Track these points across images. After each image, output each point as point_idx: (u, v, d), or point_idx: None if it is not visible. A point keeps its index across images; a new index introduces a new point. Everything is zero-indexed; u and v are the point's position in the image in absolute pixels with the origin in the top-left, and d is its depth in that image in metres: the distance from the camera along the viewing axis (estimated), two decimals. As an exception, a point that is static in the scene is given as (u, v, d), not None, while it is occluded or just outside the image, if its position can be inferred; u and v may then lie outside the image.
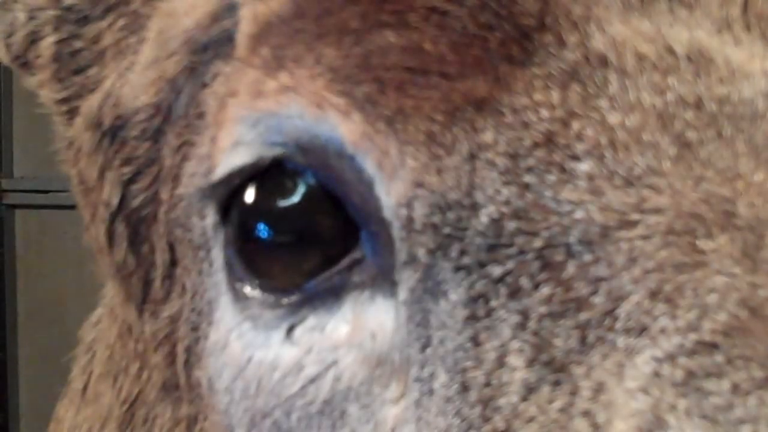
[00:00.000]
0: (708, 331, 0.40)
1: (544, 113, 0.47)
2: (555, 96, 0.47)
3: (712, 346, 0.40)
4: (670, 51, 0.47)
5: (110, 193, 0.65)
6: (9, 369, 3.25)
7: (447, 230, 0.47)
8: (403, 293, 0.49)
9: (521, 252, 0.45)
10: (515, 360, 0.44)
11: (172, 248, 0.61)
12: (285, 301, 0.52)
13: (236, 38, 0.57)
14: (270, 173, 0.52)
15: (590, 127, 0.46)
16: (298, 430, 0.51)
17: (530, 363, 0.44)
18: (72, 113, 0.70)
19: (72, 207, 0.73)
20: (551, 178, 0.46)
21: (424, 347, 0.48)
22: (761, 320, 0.40)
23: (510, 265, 0.46)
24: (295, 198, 0.52)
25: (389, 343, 0.49)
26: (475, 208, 0.47)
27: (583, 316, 0.43)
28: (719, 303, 0.41)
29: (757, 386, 0.39)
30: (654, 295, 0.42)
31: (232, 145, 0.54)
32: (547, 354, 0.44)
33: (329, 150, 0.50)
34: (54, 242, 3.13)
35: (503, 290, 0.46)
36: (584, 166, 0.45)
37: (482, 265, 0.46)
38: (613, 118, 0.46)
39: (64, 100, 0.70)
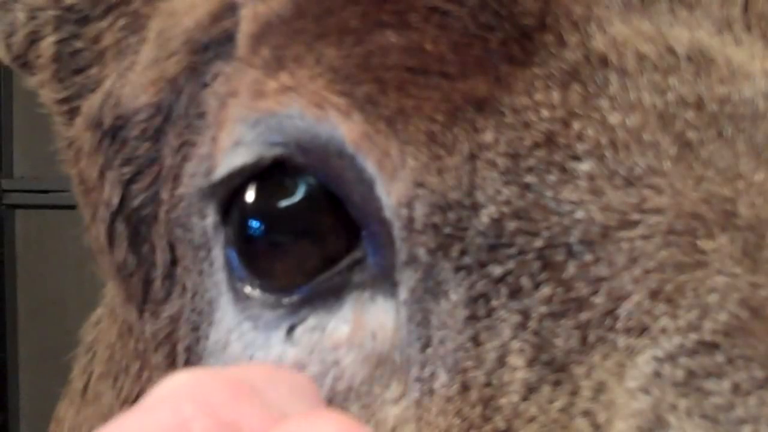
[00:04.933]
0: (709, 331, 0.40)
1: (545, 113, 0.47)
2: (555, 96, 0.47)
3: (713, 346, 0.40)
4: (671, 51, 0.47)
5: (110, 193, 0.65)
6: (9, 369, 3.24)
7: (447, 230, 0.47)
8: (403, 293, 0.49)
9: (522, 252, 0.45)
10: (516, 360, 0.44)
11: (172, 248, 0.61)
12: (285, 301, 0.52)
13: (237, 38, 0.57)
14: (270, 173, 0.52)
15: (591, 127, 0.46)
16: None
17: (531, 363, 0.44)
18: (72, 113, 0.70)
19: (72, 207, 0.73)
20: (552, 178, 0.46)
21: (424, 347, 0.48)
22: (762, 320, 0.40)
23: (510, 264, 0.46)
24: (296, 198, 0.52)
25: (390, 343, 0.49)
26: (475, 208, 0.47)
27: (584, 316, 0.43)
28: (720, 303, 0.41)
29: (757, 386, 0.39)
30: (655, 295, 0.42)
31: (233, 145, 0.54)
32: (547, 354, 0.44)
33: (330, 150, 0.50)
34: (54, 242, 3.13)
35: (504, 290, 0.46)
36: (585, 166, 0.45)
37: (483, 265, 0.46)
38: (614, 118, 0.46)
39: (64, 100, 0.70)
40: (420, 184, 0.48)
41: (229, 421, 0.27)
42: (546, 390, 0.43)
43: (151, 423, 0.27)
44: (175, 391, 0.28)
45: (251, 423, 0.27)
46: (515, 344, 0.45)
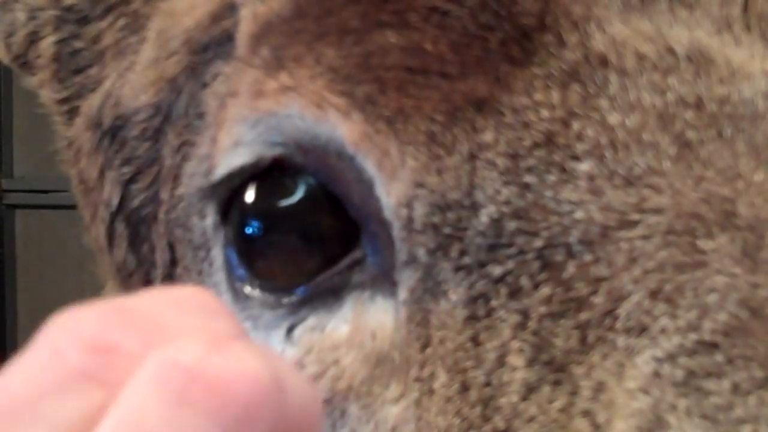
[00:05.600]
0: (708, 331, 0.40)
1: (545, 113, 0.47)
2: (555, 96, 0.47)
3: (713, 346, 0.40)
4: (671, 51, 0.47)
5: (110, 193, 0.65)
6: (9, 369, 3.24)
7: (447, 230, 0.47)
8: (403, 293, 0.49)
9: (521, 252, 0.45)
10: (515, 360, 0.44)
11: (172, 248, 0.61)
12: (285, 301, 0.52)
13: (236, 38, 0.57)
14: (270, 173, 0.52)
15: (590, 127, 0.46)
16: None
17: (530, 363, 0.44)
18: (72, 113, 0.70)
19: (72, 207, 0.73)
20: (551, 178, 0.46)
21: (424, 347, 0.48)
22: (761, 320, 0.40)
23: (510, 265, 0.46)
24: (296, 198, 0.52)
25: (389, 343, 0.49)
26: (475, 208, 0.47)
27: (584, 315, 0.43)
28: (719, 303, 0.41)
29: (757, 386, 0.39)
30: (654, 294, 0.42)
31: (232, 145, 0.54)
32: (547, 354, 0.44)
33: (329, 150, 0.50)
34: (54, 242, 3.13)
35: (503, 290, 0.46)
36: (584, 166, 0.45)
37: (482, 265, 0.46)
38: (613, 118, 0.46)
39: (64, 100, 0.70)
40: (420, 184, 0.48)
41: (104, 345, 0.28)
42: (546, 390, 0.43)
43: (29, 363, 0.28)
44: (51, 328, 0.29)
45: (128, 344, 0.28)
46: (515, 344, 0.45)
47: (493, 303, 0.46)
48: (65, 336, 0.28)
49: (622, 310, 0.42)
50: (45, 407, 0.27)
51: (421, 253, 0.48)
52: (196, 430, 0.26)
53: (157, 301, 0.30)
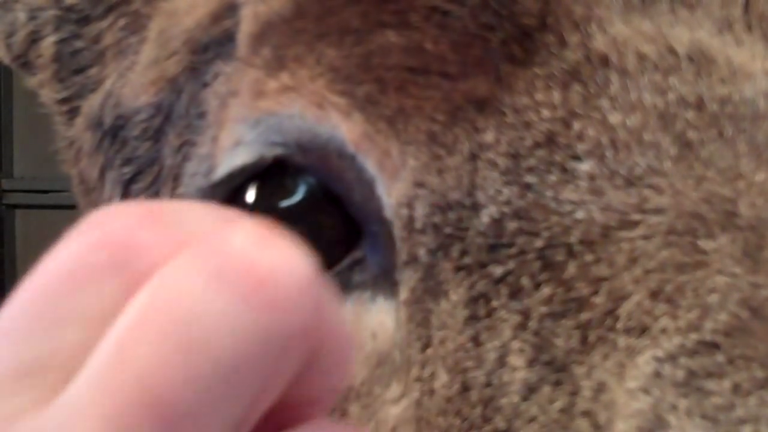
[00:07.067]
0: (709, 331, 0.40)
1: (546, 113, 0.47)
2: (556, 96, 0.47)
3: (713, 346, 0.40)
4: (672, 51, 0.47)
5: (111, 193, 0.65)
6: (9, 369, 3.24)
7: (448, 230, 0.47)
8: (403, 293, 0.49)
9: (522, 252, 0.45)
10: (516, 360, 0.44)
11: (172, 248, 0.61)
12: (285, 300, 0.52)
13: (237, 38, 0.57)
14: (271, 173, 0.52)
15: (591, 127, 0.46)
16: None
17: (531, 363, 0.44)
18: (73, 113, 0.70)
19: (72, 207, 0.73)
20: (552, 178, 0.46)
21: (424, 347, 0.48)
22: (762, 320, 0.40)
23: (511, 265, 0.46)
24: (296, 198, 0.52)
25: (390, 343, 0.49)
26: (476, 208, 0.47)
27: (584, 316, 0.43)
28: (720, 303, 0.41)
29: (758, 386, 0.38)
30: (655, 295, 0.42)
31: (233, 144, 0.54)
32: (548, 354, 0.44)
33: (330, 150, 0.50)
34: (54, 242, 3.13)
35: (504, 290, 0.46)
36: (585, 166, 0.45)
37: (483, 265, 0.46)
38: (614, 118, 0.46)
39: (64, 100, 0.70)
40: (420, 184, 0.48)
41: (130, 244, 0.28)
42: (546, 390, 0.43)
43: (61, 256, 0.28)
44: (84, 224, 0.29)
45: (152, 245, 0.28)
46: (515, 344, 0.44)
47: (494, 303, 0.46)
48: (99, 231, 0.28)
49: (623, 310, 0.42)
50: (75, 301, 0.27)
51: (422, 253, 0.48)
52: (226, 308, 0.26)
53: (198, 209, 0.30)
